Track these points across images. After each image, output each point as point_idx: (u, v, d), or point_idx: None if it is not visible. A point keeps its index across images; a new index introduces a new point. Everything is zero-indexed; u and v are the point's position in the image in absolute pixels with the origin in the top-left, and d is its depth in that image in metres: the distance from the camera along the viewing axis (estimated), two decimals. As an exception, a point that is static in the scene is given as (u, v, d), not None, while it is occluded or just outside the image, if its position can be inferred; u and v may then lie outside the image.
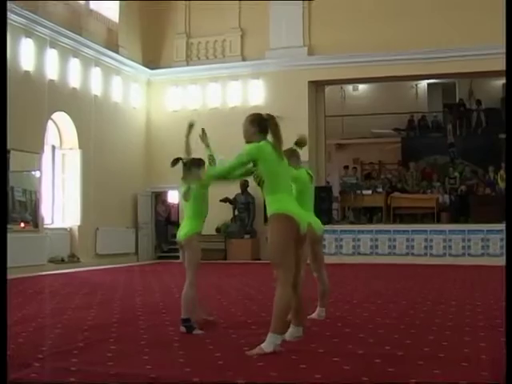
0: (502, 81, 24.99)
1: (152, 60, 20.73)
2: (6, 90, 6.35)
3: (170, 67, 20.60)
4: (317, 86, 19.81)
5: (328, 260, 17.30)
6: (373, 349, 5.66)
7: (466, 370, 4.84)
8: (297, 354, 5.43)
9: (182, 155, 7.11)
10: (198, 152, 7.04)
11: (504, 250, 16.96)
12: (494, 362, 5.05)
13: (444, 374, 4.74)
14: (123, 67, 19.53)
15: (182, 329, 6.66)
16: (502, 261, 16.46)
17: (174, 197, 21.14)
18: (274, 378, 4.69)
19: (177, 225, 20.45)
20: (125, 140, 19.40)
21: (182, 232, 6.90)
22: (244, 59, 19.85)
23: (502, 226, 17.26)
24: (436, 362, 5.09)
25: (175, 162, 7.02)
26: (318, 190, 18.96)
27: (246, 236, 18.82)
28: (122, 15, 19.56)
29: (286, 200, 5.56)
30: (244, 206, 18.92)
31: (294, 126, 18.68)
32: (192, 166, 6.97)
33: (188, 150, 7.24)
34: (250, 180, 18.25)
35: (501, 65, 17.76)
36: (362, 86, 25.66)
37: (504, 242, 17.03)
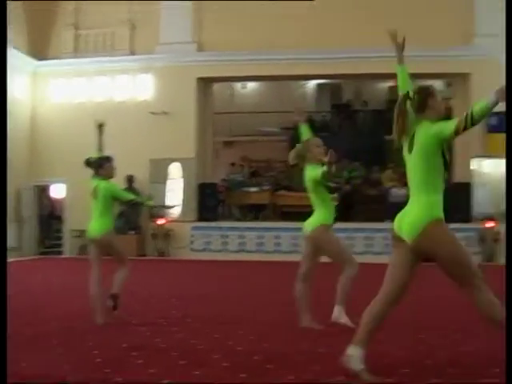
0: (387, 83, 25.67)
1: (39, 51, 20.20)
2: (6, 92, 6.24)
3: (58, 59, 20.11)
4: (205, 83, 19.79)
5: (214, 257, 17.59)
6: (252, 345, 5.73)
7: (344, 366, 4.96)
8: (177, 350, 5.45)
9: (94, 153, 7.50)
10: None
11: (387, 249, 17.54)
12: (373, 356, 5.21)
13: (322, 369, 4.84)
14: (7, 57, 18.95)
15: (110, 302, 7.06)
16: (384, 258, 16.95)
17: (58, 191, 20.65)
18: (154, 375, 4.69)
19: (60, 219, 20.13)
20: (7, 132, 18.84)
21: (97, 228, 7.17)
22: (133, 53, 19.61)
23: (385, 225, 17.75)
24: (315, 358, 5.19)
25: (87, 161, 7.40)
26: (204, 186, 19.02)
27: (131, 232, 18.61)
28: (8, 3, 18.97)
29: None
30: (129, 201, 18.67)
31: (182, 122, 18.75)
32: (99, 163, 7.30)
33: (100, 148, 7.53)
34: (138, 174, 18.20)
35: (387, 67, 18.15)
36: (250, 84, 25.82)
37: (388, 241, 17.58)
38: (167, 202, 18.49)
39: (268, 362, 5.05)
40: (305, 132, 7.34)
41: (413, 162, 4.70)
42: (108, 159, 7.44)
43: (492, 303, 4.48)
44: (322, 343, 5.83)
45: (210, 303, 8.70)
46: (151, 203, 8.48)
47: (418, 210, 4.59)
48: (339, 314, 6.56)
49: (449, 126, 4.50)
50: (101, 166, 7.33)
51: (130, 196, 7.92)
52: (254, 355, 5.28)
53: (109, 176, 7.37)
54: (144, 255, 18.37)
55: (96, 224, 7.21)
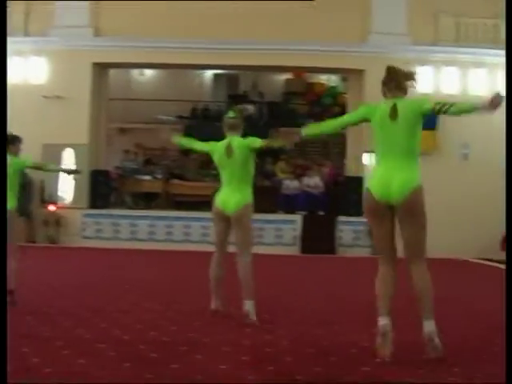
0: (284, 76, 26.01)
1: None
2: (6, 91, 6.06)
3: None
4: (101, 68, 19.48)
5: (106, 244, 17.42)
6: (139, 335, 5.75)
7: (227, 355, 5.05)
8: (62, 340, 5.40)
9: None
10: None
11: (279, 240, 17.80)
12: (256, 346, 5.32)
13: (206, 358, 4.91)
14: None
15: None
16: (275, 250, 17.23)
17: None
18: (38, 363, 4.65)
19: None
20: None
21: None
22: (27, 34, 19.11)
23: (277, 216, 18.04)
24: (199, 348, 5.26)
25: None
26: (96, 173, 18.79)
27: (21, 218, 18.17)
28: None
29: None
30: (20, 187, 18.24)
31: (76, 108, 18.42)
32: (12, 140, 7.63)
33: None
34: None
35: (284, 60, 18.67)
36: (148, 71, 25.62)
37: (279, 232, 17.86)
38: (60, 188, 18.27)
39: (153, 351, 5.08)
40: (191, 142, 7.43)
41: (398, 130, 5.12)
42: (19, 139, 7.83)
43: (429, 280, 5.09)
44: (207, 332, 5.91)
45: (99, 292, 8.64)
46: (53, 167, 9.07)
47: (407, 172, 5.04)
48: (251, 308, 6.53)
49: (428, 105, 5.07)
50: (13, 142, 7.62)
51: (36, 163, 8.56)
52: (140, 344, 5.30)
53: (15, 155, 7.66)
54: (34, 242, 18.00)
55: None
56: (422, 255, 5.14)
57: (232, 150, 6.69)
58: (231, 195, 6.66)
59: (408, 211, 5.02)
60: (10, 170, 7.28)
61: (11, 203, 7.28)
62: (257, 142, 6.67)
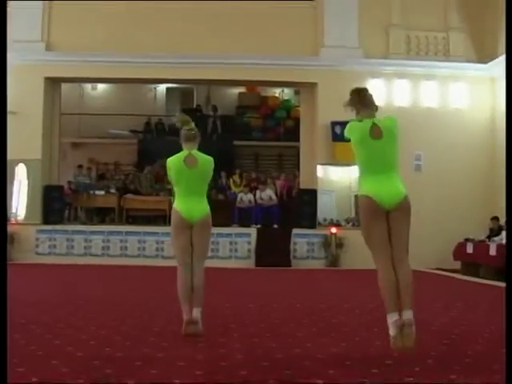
0: (238, 89, 26.14)
1: None
2: (6, 91, 5.87)
3: None
4: (53, 83, 19.39)
5: (60, 260, 17.29)
6: (93, 351, 5.72)
7: (182, 369, 5.05)
8: (16, 356, 5.35)
9: None
10: None
11: (233, 253, 17.83)
12: (211, 359, 5.34)
13: (160, 373, 4.92)
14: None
15: None
16: (230, 263, 17.27)
17: None
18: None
19: None
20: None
21: None
22: (-23, 49, 18.94)
23: (231, 230, 18.07)
24: (154, 363, 5.26)
25: None
26: (50, 188, 18.65)
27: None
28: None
29: None
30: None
31: (29, 123, 18.28)
32: None
33: None
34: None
35: (237, 74, 18.77)
36: (101, 86, 25.57)
37: (233, 246, 17.90)
38: (13, 205, 18.16)
39: (108, 366, 5.07)
40: None
41: (383, 146, 5.69)
42: None
43: (412, 275, 5.62)
44: (160, 348, 5.90)
45: (52, 308, 8.57)
46: None
47: (397, 183, 5.69)
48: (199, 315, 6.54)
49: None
50: None
51: None
52: (95, 360, 5.28)
53: None
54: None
55: None
56: (408, 251, 5.69)
57: (195, 161, 6.71)
58: (195, 204, 6.72)
59: (403, 213, 5.65)
60: None
61: None
62: None
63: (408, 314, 5.35)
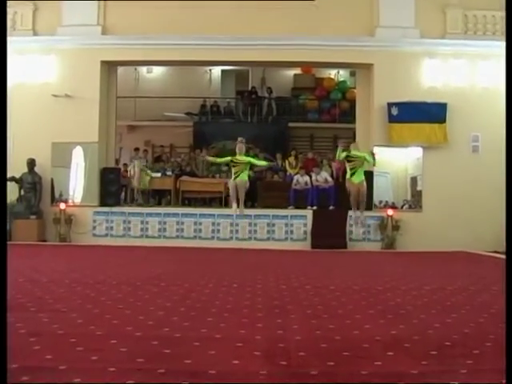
0: (293, 71, 26.01)
1: None
2: (6, 91, 6.01)
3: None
4: (109, 67, 19.54)
5: (116, 242, 17.48)
6: (151, 331, 5.75)
7: (240, 350, 5.04)
8: (76, 336, 5.40)
9: None
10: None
11: (289, 235, 17.77)
12: (270, 340, 5.32)
13: (218, 354, 4.91)
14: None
15: None
16: (286, 245, 17.25)
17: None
18: (51, 360, 4.64)
19: None
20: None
21: None
22: (35, 34, 19.13)
23: (287, 212, 18.01)
24: (212, 343, 5.25)
25: None
26: (107, 171, 18.84)
27: (32, 217, 18.25)
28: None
29: None
30: (30, 185, 18.32)
31: (85, 106, 18.46)
32: None
33: None
34: (39, 158, 17.82)
35: (292, 55, 18.65)
36: (156, 69, 25.69)
37: (289, 228, 17.82)
38: (71, 187, 18.41)
39: (166, 347, 5.08)
40: None
41: None
42: None
43: None
44: (218, 329, 5.90)
45: (110, 289, 8.65)
46: None
47: None
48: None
49: None
50: None
51: None
52: (153, 340, 5.30)
53: None
54: (45, 240, 18.08)
55: None
56: None
57: None
58: None
59: None
60: None
61: None
62: None
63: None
